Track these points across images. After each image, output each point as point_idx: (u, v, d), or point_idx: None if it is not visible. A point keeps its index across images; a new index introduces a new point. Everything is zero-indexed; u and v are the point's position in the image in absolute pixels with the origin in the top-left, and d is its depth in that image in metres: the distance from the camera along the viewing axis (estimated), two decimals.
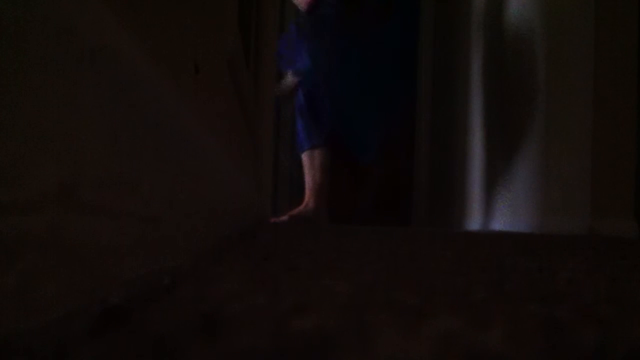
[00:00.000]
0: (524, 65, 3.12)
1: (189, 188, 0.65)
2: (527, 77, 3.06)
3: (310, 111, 3.47)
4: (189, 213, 0.64)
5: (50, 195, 0.32)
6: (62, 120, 0.34)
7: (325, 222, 3.43)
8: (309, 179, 3.72)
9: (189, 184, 0.64)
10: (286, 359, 0.30)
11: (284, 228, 2.21)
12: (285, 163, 4.49)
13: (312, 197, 3.55)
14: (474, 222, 3.86)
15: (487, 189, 3.68)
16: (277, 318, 0.31)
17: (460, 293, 0.45)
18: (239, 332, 0.30)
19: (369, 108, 3.73)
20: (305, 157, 3.93)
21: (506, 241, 1.46)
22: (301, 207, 3.54)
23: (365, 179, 4.01)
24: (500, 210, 3.46)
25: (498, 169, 3.51)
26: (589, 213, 2.43)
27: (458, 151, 4.26)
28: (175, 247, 0.57)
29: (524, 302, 0.41)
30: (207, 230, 0.77)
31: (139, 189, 0.47)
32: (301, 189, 3.73)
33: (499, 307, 0.38)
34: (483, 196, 3.75)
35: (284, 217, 3.47)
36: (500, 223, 3.38)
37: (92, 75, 0.38)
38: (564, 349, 0.31)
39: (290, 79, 3.58)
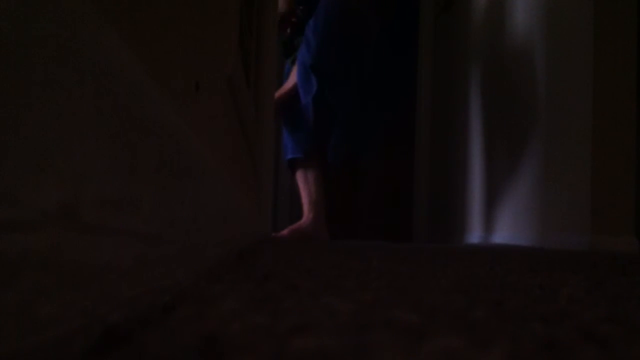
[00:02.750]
0: (525, 79, 3.13)
1: (189, 206, 0.65)
2: (527, 90, 3.07)
3: (305, 120, 3.46)
4: (189, 231, 0.64)
5: (51, 214, 0.33)
6: (63, 140, 0.34)
7: (325, 236, 3.43)
8: (305, 194, 3.71)
9: (189, 203, 0.64)
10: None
11: (284, 244, 2.21)
12: (286, 180, 4.49)
13: (310, 212, 3.55)
14: (474, 236, 3.86)
15: (488, 203, 3.68)
16: (278, 338, 0.31)
17: (460, 311, 0.45)
18: (240, 353, 0.30)
19: (368, 115, 3.74)
20: (299, 173, 3.92)
21: (507, 257, 1.46)
22: (300, 222, 3.54)
23: (362, 191, 4.01)
24: (500, 224, 3.46)
25: (499, 183, 3.51)
26: (589, 229, 2.43)
27: (458, 166, 4.27)
28: (175, 266, 0.57)
29: (525, 321, 0.41)
30: (207, 249, 0.77)
31: (140, 208, 0.47)
32: (301, 205, 3.73)
33: (500, 326, 0.38)
34: (483, 210, 3.75)
35: (284, 232, 3.46)
36: (501, 237, 3.37)
37: (94, 95, 0.38)
38: None
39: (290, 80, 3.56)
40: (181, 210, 0.61)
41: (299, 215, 3.73)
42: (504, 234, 3.27)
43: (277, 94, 3.41)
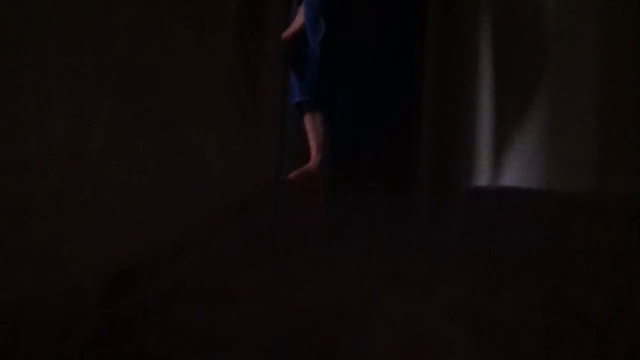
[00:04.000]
0: (534, 20, 3.06)
1: (194, 153, 0.64)
2: (536, 32, 3.01)
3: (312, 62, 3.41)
4: (194, 178, 0.64)
5: (62, 154, 0.32)
6: (68, 81, 0.33)
7: (330, 176, 3.43)
8: (312, 137, 3.68)
9: (193, 149, 0.64)
10: (296, 322, 0.30)
11: (290, 190, 2.21)
12: (292, 126, 4.46)
13: (318, 154, 3.53)
14: (481, 178, 3.84)
15: (495, 146, 3.66)
16: (285, 286, 0.31)
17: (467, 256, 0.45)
18: (249, 298, 0.30)
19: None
20: (306, 117, 3.89)
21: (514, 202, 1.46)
22: (308, 165, 3.54)
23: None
24: (507, 167, 3.44)
25: (507, 126, 3.47)
26: (596, 170, 2.41)
27: (466, 109, 4.22)
28: (182, 212, 0.57)
29: (532, 269, 0.41)
30: (214, 196, 0.77)
31: (146, 151, 0.47)
32: (308, 150, 3.71)
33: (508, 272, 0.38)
34: (491, 153, 3.73)
35: (291, 175, 3.46)
36: (508, 180, 3.36)
37: (98, 38, 0.37)
38: (573, 318, 0.31)
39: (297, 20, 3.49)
40: (184, 156, 0.60)
41: (307, 160, 3.72)
42: (511, 176, 3.26)
43: (284, 34, 3.35)
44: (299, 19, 3.66)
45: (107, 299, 0.35)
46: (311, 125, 3.83)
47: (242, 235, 0.59)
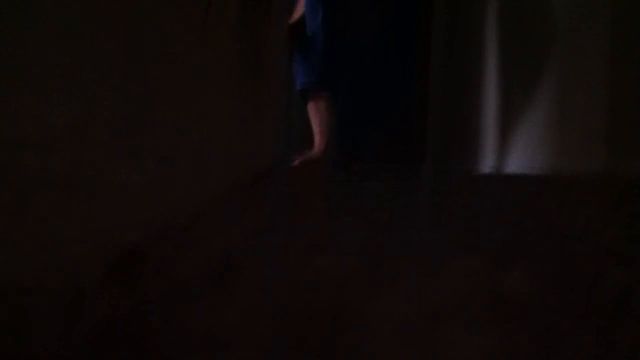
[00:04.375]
0: (542, 8, 3.04)
1: (200, 127, 0.64)
2: (543, 18, 2.99)
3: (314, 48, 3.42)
4: (202, 153, 0.64)
5: (64, 133, 0.32)
6: (72, 57, 0.33)
7: (337, 159, 3.45)
8: (317, 121, 3.70)
9: (199, 123, 0.64)
10: (307, 297, 0.30)
11: (297, 171, 2.21)
12: (297, 112, 4.46)
13: (322, 140, 3.55)
14: (487, 162, 3.84)
15: (502, 129, 3.65)
16: (295, 257, 0.31)
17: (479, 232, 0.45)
18: (257, 272, 0.29)
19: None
20: (310, 103, 3.91)
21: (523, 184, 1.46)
22: (312, 151, 3.55)
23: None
24: (514, 150, 3.43)
25: (512, 108, 3.46)
26: (604, 153, 2.40)
27: (473, 94, 4.21)
28: (189, 187, 0.57)
29: (544, 240, 0.41)
30: (222, 171, 0.77)
31: (152, 126, 0.46)
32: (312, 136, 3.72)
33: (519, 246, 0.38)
34: (497, 136, 3.72)
35: (297, 161, 3.47)
36: (515, 164, 3.35)
37: (104, 12, 0.37)
38: (588, 288, 0.30)
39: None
40: (192, 131, 0.60)
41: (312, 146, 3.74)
42: (518, 160, 3.25)
43: (289, 20, 3.36)
44: (301, 5, 3.64)
45: (113, 275, 0.35)
46: (315, 112, 3.82)
47: (246, 213, 0.59)
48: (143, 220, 0.43)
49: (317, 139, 3.61)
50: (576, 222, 0.55)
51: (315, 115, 3.58)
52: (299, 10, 3.61)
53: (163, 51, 0.50)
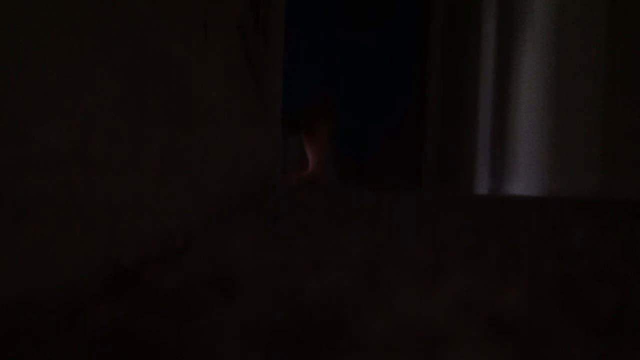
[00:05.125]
0: (536, 24, 3.07)
1: (198, 146, 0.64)
2: (538, 35, 3.02)
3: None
4: (198, 172, 0.64)
5: (63, 154, 0.32)
6: (71, 78, 0.33)
7: (334, 180, 3.48)
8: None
9: (198, 143, 0.64)
10: (300, 318, 0.30)
11: (294, 188, 2.21)
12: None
13: (315, 159, 3.60)
14: (484, 184, 3.85)
15: (499, 150, 3.67)
16: (292, 277, 0.31)
17: (474, 249, 0.45)
18: (253, 291, 0.29)
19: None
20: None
21: (518, 204, 1.46)
22: (308, 170, 3.59)
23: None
24: (511, 171, 3.45)
25: (508, 131, 3.48)
26: (600, 172, 2.41)
27: (469, 117, 4.24)
28: (186, 206, 0.57)
29: (540, 261, 0.41)
30: (218, 189, 0.77)
31: (149, 147, 0.46)
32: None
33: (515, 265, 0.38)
34: (494, 158, 3.74)
35: (292, 180, 3.51)
36: (511, 184, 3.37)
37: (102, 33, 0.37)
38: (583, 308, 0.30)
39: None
40: (190, 150, 0.60)
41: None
42: (514, 181, 3.27)
43: None
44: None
45: (108, 294, 0.35)
46: (309, 137, 3.80)
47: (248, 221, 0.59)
48: (140, 239, 0.43)
49: (311, 159, 3.65)
50: (572, 242, 0.55)
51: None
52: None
53: (162, 71, 0.50)
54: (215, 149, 0.76)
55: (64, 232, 0.32)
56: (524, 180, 3.22)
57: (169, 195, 0.52)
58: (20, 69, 0.28)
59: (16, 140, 0.28)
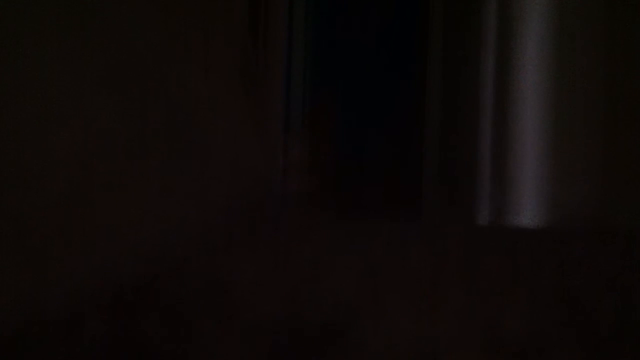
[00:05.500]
0: (533, 57, 3.08)
1: (198, 160, 0.64)
2: (536, 63, 3.03)
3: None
4: (198, 185, 0.64)
5: (65, 168, 0.32)
6: (75, 89, 0.33)
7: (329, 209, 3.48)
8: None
9: (197, 156, 0.64)
10: (299, 324, 0.30)
11: (293, 206, 2.20)
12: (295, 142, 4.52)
13: (311, 177, 3.60)
14: (482, 215, 3.86)
15: (498, 182, 3.67)
16: (289, 288, 0.31)
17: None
18: (252, 303, 0.29)
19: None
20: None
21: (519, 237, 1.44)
22: (305, 185, 3.60)
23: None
24: (510, 203, 3.45)
25: (507, 161, 3.49)
26: (600, 205, 2.40)
27: (465, 145, 4.24)
28: (187, 220, 0.57)
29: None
30: (218, 202, 0.77)
31: (149, 161, 0.46)
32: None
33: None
34: (493, 189, 3.74)
35: (290, 195, 3.52)
36: (511, 216, 3.37)
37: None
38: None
39: None
40: (190, 171, 0.60)
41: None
42: (515, 213, 3.27)
43: None
44: None
45: (111, 310, 0.35)
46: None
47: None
48: (142, 252, 0.43)
49: (307, 177, 3.66)
50: (574, 278, 0.55)
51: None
52: None
53: (163, 83, 0.50)
54: (215, 162, 0.76)
55: (64, 247, 0.32)
56: (524, 209, 3.22)
57: (169, 209, 0.52)
58: (23, 78, 0.28)
59: (17, 155, 0.28)
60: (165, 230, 0.50)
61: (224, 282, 0.39)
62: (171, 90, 0.52)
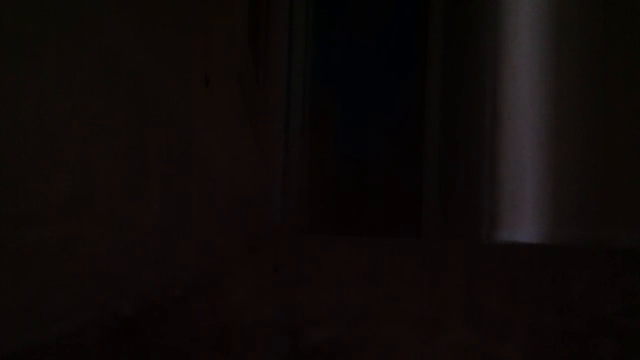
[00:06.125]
0: (533, 73, 3.10)
1: (200, 199, 0.64)
2: (536, 81, 3.04)
3: None
4: (198, 221, 0.64)
5: (64, 207, 0.32)
6: (75, 130, 0.34)
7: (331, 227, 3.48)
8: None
9: (199, 195, 0.64)
10: None
11: (294, 238, 2.20)
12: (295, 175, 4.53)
13: (310, 203, 3.62)
14: (482, 233, 3.84)
15: (495, 200, 3.66)
16: (290, 330, 0.31)
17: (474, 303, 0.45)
18: (252, 346, 0.29)
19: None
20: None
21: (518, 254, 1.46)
22: (303, 215, 3.60)
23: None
24: (508, 220, 3.44)
25: (506, 178, 3.49)
26: (599, 223, 2.40)
27: (466, 162, 4.24)
28: (186, 256, 0.57)
29: (540, 314, 0.41)
30: (218, 238, 0.77)
31: (149, 199, 0.47)
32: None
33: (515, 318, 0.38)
34: (491, 208, 3.73)
35: (290, 224, 3.51)
36: (510, 233, 3.35)
37: (107, 86, 0.38)
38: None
39: None
40: (191, 203, 0.60)
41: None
42: (513, 229, 3.25)
43: None
44: None
45: (108, 347, 0.35)
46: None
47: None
48: (139, 289, 0.43)
49: (304, 201, 3.66)
50: (571, 294, 0.55)
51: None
52: None
53: (164, 122, 0.50)
54: (215, 199, 0.76)
55: (64, 283, 0.32)
56: (524, 227, 3.21)
57: (169, 246, 0.52)
58: (24, 122, 0.29)
59: (17, 194, 0.28)
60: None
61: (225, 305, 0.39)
62: (172, 132, 0.53)
